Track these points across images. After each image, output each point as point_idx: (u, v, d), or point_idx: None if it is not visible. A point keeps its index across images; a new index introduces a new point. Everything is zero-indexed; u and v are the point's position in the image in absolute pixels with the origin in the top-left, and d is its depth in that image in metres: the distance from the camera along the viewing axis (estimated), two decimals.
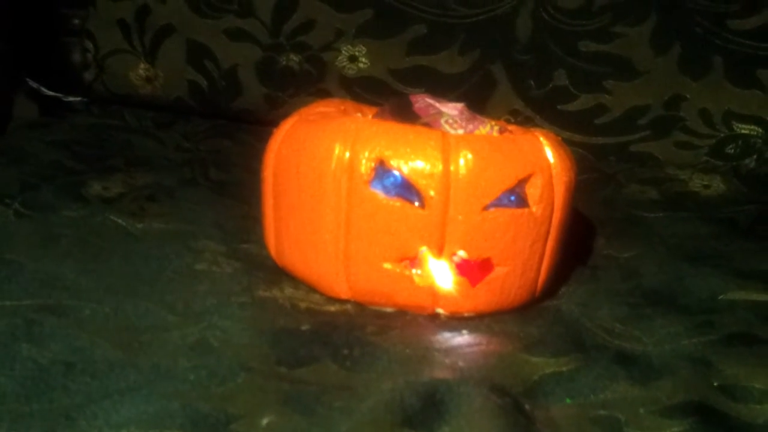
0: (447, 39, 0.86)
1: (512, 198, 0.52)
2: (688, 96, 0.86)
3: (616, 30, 0.85)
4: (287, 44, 0.87)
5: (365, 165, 0.50)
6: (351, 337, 0.49)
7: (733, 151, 0.87)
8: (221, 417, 0.40)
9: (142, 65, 0.90)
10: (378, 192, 0.50)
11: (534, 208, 0.52)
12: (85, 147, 0.79)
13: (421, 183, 0.50)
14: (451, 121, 0.55)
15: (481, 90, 0.87)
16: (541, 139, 0.54)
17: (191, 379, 0.43)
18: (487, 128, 0.55)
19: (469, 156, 0.50)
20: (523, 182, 0.52)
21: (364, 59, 0.88)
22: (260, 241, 0.59)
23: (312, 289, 0.55)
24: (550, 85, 0.87)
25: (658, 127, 0.87)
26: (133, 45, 0.89)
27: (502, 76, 0.87)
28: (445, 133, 0.51)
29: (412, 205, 0.50)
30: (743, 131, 0.86)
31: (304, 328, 0.50)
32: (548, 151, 0.53)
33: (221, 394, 0.42)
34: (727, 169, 0.87)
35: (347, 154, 0.50)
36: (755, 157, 0.87)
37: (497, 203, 0.51)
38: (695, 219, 0.76)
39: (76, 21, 0.92)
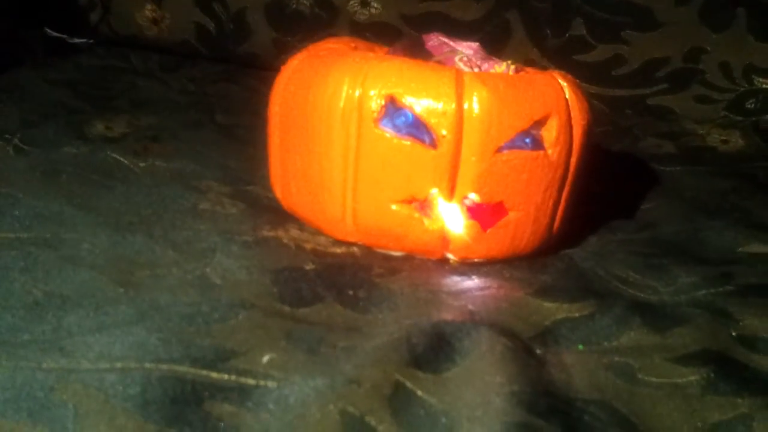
0: None
1: (527, 140, 0.50)
2: (708, 48, 0.84)
3: None
4: None
5: (375, 103, 0.48)
6: (357, 278, 0.48)
7: (753, 106, 0.85)
8: (221, 352, 0.38)
9: (148, 6, 0.88)
10: (388, 131, 0.48)
11: (550, 151, 0.50)
12: (90, 87, 0.77)
13: (432, 122, 0.48)
14: (465, 59, 0.53)
15: (496, 38, 0.85)
16: (560, 80, 0.52)
17: (190, 314, 0.41)
18: (503, 67, 0.53)
19: (484, 94, 0.48)
20: (539, 124, 0.49)
21: (376, 4, 0.85)
22: (266, 183, 0.57)
23: (318, 231, 0.54)
24: (567, 35, 0.85)
25: (677, 80, 0.85)
26: None
27: (517, 24, 0.85)
28: (459, 71, 0.49)
29: (423, 144, 0.48)
30: (764, 86, 0.84)
31: (308, 267, 0.48)
32: (566, 93, 0.51)
33: (221, 330, 0.40)
34: (747, 124, 0.85)
35: (357, 92, 0.48)
36: None
37: (511, 145, 0.49)
38: (713, 174, 0.74)
39: None
